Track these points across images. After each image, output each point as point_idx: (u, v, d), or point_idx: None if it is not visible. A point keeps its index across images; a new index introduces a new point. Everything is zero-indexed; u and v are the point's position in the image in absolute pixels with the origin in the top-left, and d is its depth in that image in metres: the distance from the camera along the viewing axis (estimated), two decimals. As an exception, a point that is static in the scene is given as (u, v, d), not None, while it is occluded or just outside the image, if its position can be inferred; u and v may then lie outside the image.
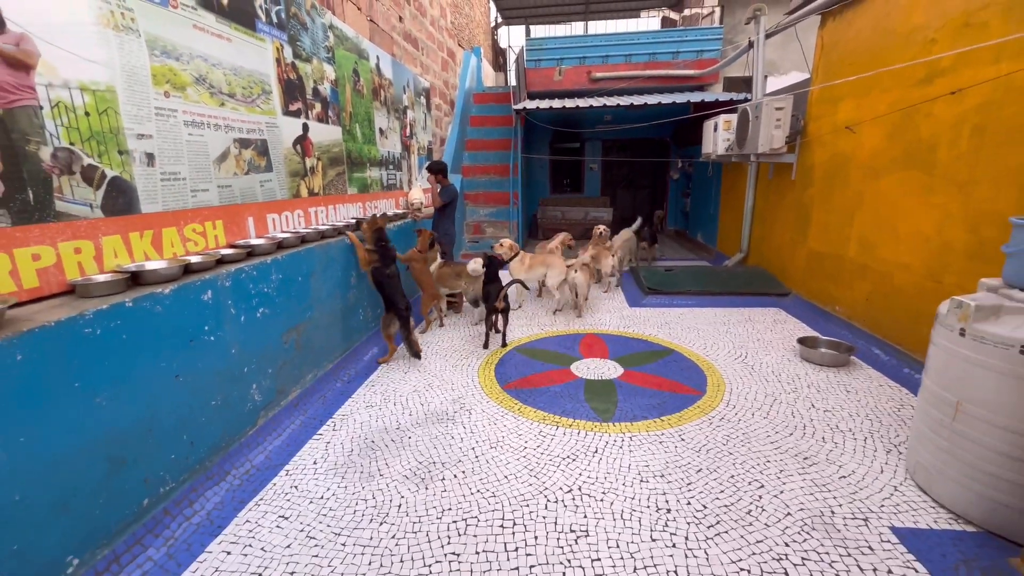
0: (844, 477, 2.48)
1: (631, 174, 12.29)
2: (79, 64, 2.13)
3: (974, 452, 2.11)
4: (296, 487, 2.50)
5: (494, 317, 4.43)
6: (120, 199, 2.35)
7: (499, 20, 15.30)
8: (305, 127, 3.93)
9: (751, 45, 6.67)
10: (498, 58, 15.75)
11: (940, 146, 3.48)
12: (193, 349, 2.38)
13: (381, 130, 5.57)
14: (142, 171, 2.47)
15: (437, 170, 5.44)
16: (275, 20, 3.51)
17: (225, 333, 2.60)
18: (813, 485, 2.42)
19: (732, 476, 2.50)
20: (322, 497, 2.41)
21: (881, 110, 4.07)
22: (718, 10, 10.82)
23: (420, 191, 6.44)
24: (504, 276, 4.63)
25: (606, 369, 3.87)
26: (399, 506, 2.34)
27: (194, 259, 2.53)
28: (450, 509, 2.30)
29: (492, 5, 14.30)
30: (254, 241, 3.16)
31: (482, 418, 3.15)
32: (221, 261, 2.74)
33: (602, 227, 6.82)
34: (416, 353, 3.98)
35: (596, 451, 2.75)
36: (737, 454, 2.69)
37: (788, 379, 3.63)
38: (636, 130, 11.32)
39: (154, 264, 2.37)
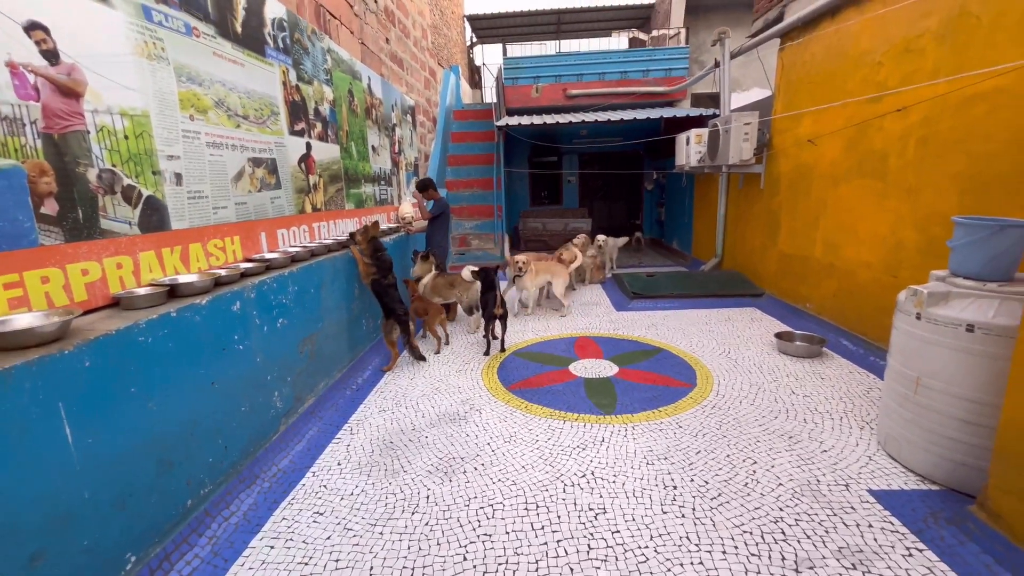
0: (825, 451, 2.77)
1: (607, 186, 12.75)
2: (119, 91, 2.27)
3: (934, 420, 2.43)
4: (325, 486, 2.63)
5: (492, 324, 4.64)
6: (154, 216, 2.48)
7: (474, 39, 15.73)
8: (308, 146, 4.10)
9: (717, 64, 7.18)
10: (474, 76, 16.15)
11: (890, 156, 3.91)
12: (225, 357, 2.50)
13: (373, 147, 5.75)
14: (172, 190, 2.60)
15: (424, 187, 5.69)
16: (281, 45, 3.69)
17: (251, 342, 2.72)
18: (799, 459, 2.70)
19: (728, 455, 2.76)
20: (352, 493, 2.55)
21: (838, 124, 4.51)
22: (683, 31, 11.47)
23: (410, 205, 6.63)
24: (507, 284, 4.85)
25: (602, 368, 4.12)
26: (427, 497, 2.50)
27: (222, 272, 2.67)
28: (475, 497, 2.48)
29: (467, 25, 14.70)
30: (270, 255, 3.30)
31: (493, 416, 3.34)
32: (244, 274, 2.88)
33: (583, 237, 7.18)
34: (419, 356, 4.16)
35: (603, 440, 2.98)
36: (730, 437, 2.96)
37: (769, 370, 3.95)
38: (611, 144, 11.83)
39: (189, 277, 2.50)
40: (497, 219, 9.06)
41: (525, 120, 8.50)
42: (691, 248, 8.94)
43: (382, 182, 6.07)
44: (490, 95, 16.42)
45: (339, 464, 2.83)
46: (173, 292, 2.37)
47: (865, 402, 3.34)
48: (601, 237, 7.73)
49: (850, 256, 4.41)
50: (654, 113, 8.19)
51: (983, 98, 3.10)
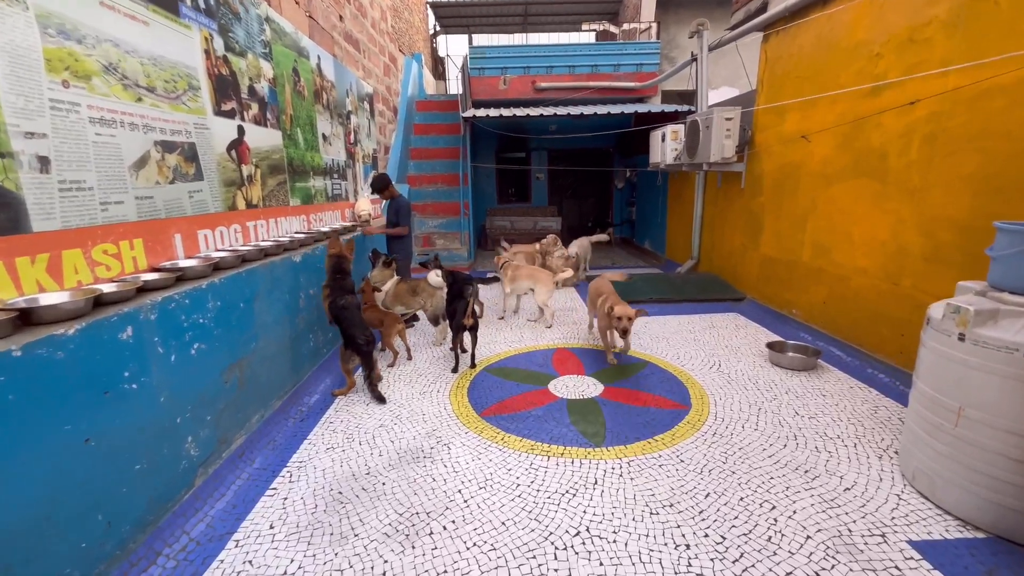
0: (848, 489, 2.42)
1: (577, 183, 12.41)
2: (-63, 38, 1.61)
3: (977, 456, 2.11)
4: (250, 562, 2.05)
5: (460, 336, 4.12)
6: (1, 215, 1.82)
7: (437, 28, 15.03)
8: (241, 130, 3.44)
9: (694, 59, 6.90)
10: (437, 66, 15.45)
11: (891, 155, 3.65)
12: (109, 403, 1.88)
13: (324, 136, 5.10)
14: (32, 179, 1.94)
15: (382, 187, 5.01)
16: (202, 5, 3.03)
17: (151, 378, 2.10)
18: (822, 501, 2.34)
19: (741, 499, 2.37)
20: (286, 574, 1.99)
21: (830, 121, 4.24)
22: (655, 26, 11.22)
23: (367, 202, 6.00)
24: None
25: (585, 387, 3.68)
26: (384, 574, 1.97)
27: (107, 288, 2.04)
28: (445, 572, 1.97)
29: (431, 13, 14.00)
30: (184, 263, 2.66)
31: (464, 453, 2.83)
32: (144, 289, 2.24)
33: (553, 237, 6.81)
34: (378, 397, 3.46)
35: (596, 482, 2.52)
36: (739, 472, 2.57)
37: (765, 386, 3.62)
38: (581, 140, 11.47)
39: (52, 297, 1.86)
40: (463, 217, 8.51)
41: (493, 112, 7.98)
42: (664, 249, 8.68)
43: (335, 175, 5.41)
44: (455, 87, 15.78)
45: (272, 527, 2.25)
46: (27, 318, 1.73)
47: (875, 423, 3.03)
48: (575, 247, 7.35)
49: (842, 261, 4.15)
50: (628, 108, 7.85)
51: (1003, 91, 2.84)
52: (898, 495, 2.37)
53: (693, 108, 7.29)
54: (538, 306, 5.36)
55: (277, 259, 3.33)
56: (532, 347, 4.58)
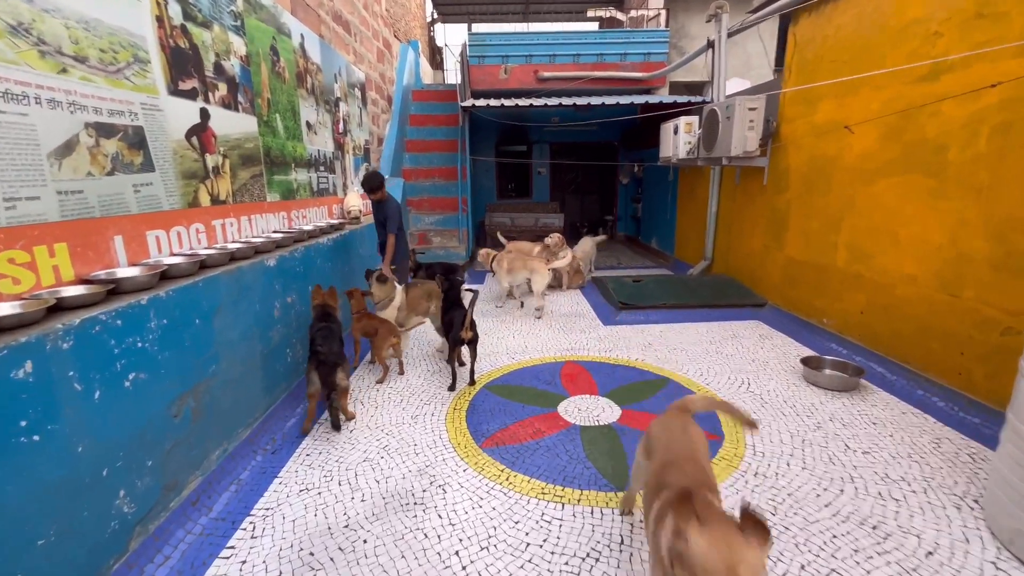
0: (931, 554, 1.99)
1: (580, 179, 11.94)
2: None
3: (1107, 525, 1.68)
4: (190, 660, 1.60)
5: (458, 350, 3.67)
6: None
7: (435, 16, 14.47)
8: (204, 113, 2.96)
9: (711, 44, 6.42)
10: (435, 56, 14.90)
11: (951, 147, 3.20)
12: (-5, 463, 1.43)
13: (309, 124, 4.61)
14: None
15: (373, 186, 4.31)
16: (153, -37, 2.54)
17: (62, 424, 1.64)
18: (903, 571, 1.90)
19: (803, 567, 1.93)
20: (233, 678, 1.54)
21: (874, 110, 3.79)
22: (663, 13, 10.72)
23: (357, 196, 5.54)
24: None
25: (600, 410, 3.24)
26: None
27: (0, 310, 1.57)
28: (439, 678, 1.53)
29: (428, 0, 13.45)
30: (122, 272, 2.19)
31: (462, 498, 2.38)
32: (57, 308, 1.78)
33: (558, 237, 6.38)
34: (336, 423, 2.92)
35: (622, 542, 2.08)
36: (795, 529, 2.14)
37: (805, 411, 3.18)
38: (585, 133, 10.98)
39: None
40: (461, 213, 8.04)
41: (495, 102, 7.49)
42: (673, 248, 8.23)
43: (321, 167, 4.93)
44: (453, 77, 15.23)
45: (222, 606, 1.80)
46: None
47: (941, 462, 2.60)
48: (581, 248, 6.90)
49: (886, 266, 3.71)
50: (636, 99, 7.36)
51: (1106, 71, 2.39)
52: (995, 564, 1.93)
53: (707, 99, 6.82)
54: (536, 295, 5.36)
55: (246, 264, 2.86)
56: (538, 360, 4.13)
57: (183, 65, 2.78)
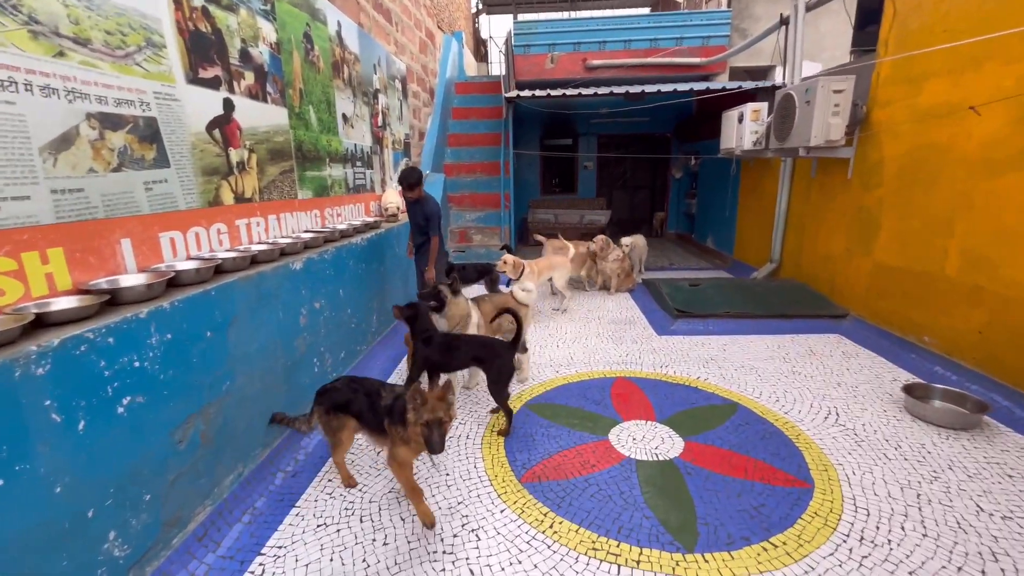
0: None
1: (628, 173, 11.33)
2: None
3: None
4: None
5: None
6: None
7: (480, 7, 14.15)
8: (228, 104, 2.74)
9: (784, 21, 5.73)
10: (480, 48, 14.60)
11: (1122, 131, 2.52)
12: (-58, 518, 1.19)
13: (345, 117, 4.38)
14: None
15: (413, 182, 3.91)
16: (171, -62, 2.31)
17: (35, 463, 1.41)
18: None
19: None
20: None
21: (1007, 87, 3.11)
22: (724, -8, 9.91)
23: (396, 193, 5.28)
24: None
25: (659, 440, 2.80)
26: None
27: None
28: None
29: (473, -10, 13.14)
30: (127, 280, 1.97)
31: (498, 548, 2.03)
32: (38, 324, 1.55)
33: (604, 239, 5.92)
34: (348, 480, 2.47)
35: (696, 628, 1.66)
36: (927, 627, 1.64)
37: (914, 454, 2.61)
38: (635, 124, 10.37)
39: None
40: (504, 210, 7.69)
41: (540, 93, 7.07)
42: (733, 248, 7.55)
43: (358, 163, 4.70)
44: (498, 70, 14.88)
45: None
46: None
47: (1116, 537, 2.01)
48: (627, 240, 6.38)
49: (1017, 278, 3.05)
50: (697, 85, 6.73)
51: None
52: None
53: (779, 83, 6.12)
54: (559, 290, 5.25)
55: (269, 268, 2.62)
56: (585, 374, 3.72)
57: (204, 51, 2.55)
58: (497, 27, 17.53)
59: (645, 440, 2.81)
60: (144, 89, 2.17)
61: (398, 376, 3.80)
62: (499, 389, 2.86)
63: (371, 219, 4.63)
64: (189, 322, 2.02)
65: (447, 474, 2.54)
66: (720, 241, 8.11)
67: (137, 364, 1.76)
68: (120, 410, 1.69)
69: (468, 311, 3.57)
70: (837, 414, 3.05)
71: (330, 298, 3.32)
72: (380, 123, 5.34)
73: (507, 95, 6.93)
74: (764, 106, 5.79)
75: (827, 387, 3.42)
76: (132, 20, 2.11)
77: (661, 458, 2.64)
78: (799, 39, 5.42)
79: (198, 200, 2.52)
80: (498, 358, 2.88)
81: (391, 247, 4.64)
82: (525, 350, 3.62)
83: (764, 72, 10.36)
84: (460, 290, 3.62)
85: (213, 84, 2.62)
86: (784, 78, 6.02)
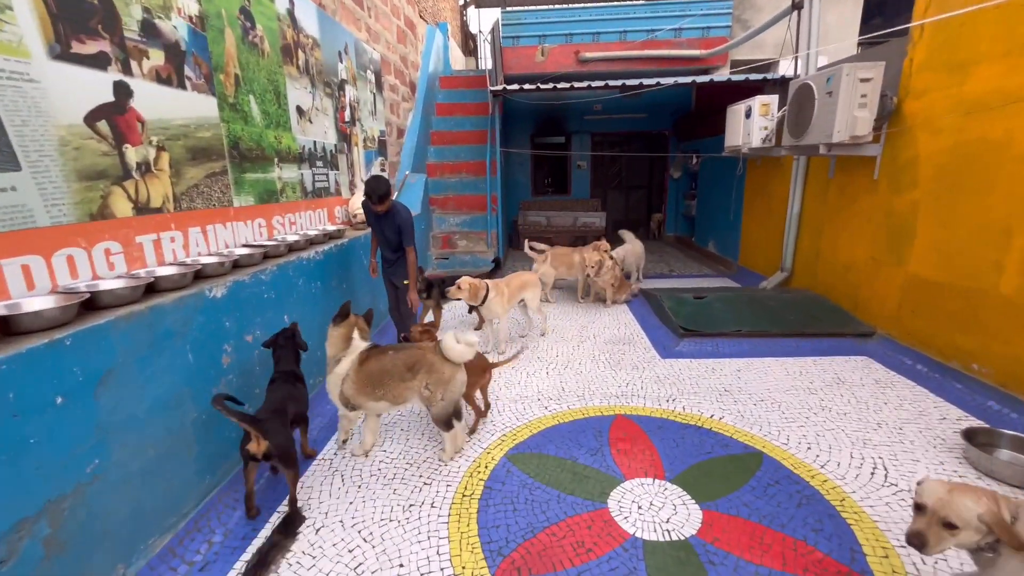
0: None
1: (624, 173, 10.79)
2: None
3: None
4: None
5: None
6: None
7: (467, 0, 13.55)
8: (122, 88, 2.15)
9: (796, 6, 5.20)
10: (468, 42, 14.00)
11: None
12: None
13: (301, 110, 3.79)
14: None
15: (380, 195, 3.28)
16: None
17: None
18: None
19: None
20: None
21: (1085, 69, 2.57)
22: (725, -19, 9.36)
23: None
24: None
25: (671, 508, 2.24)
26: None
27: None
28: None
29: (460, -20, 12.54)
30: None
31: None
32: None
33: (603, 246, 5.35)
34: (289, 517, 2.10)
35: None
36: None
37: (993, 529, 2.07)
38: (630, 121, 9.84)
39: None
40: (490, 213, 7.11)
41: (528, 87, 6.50)
42: (737, 254, 7.02)
43: (319, 163, 4.11)
44: (487, 64, 14.29)
45: None
46: None
47: None
48: (619, 252, 5.86)
49: (1099, 302, 2.52)
50: (700, 78, 6.19)
51: None
52: None
53: (791, 75, 5.59)
54: (531, 315, 4.58)
55: (169, 299, 2.03)
56: (579, 411, 3.16)
57: (80, 18, 1.96)
58: (487, 21, 16.93)
59: (653, 508, 2.25)
60: (-30, 64, 1.58)
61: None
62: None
63: (334, 227, 4.04)
64: (21, 388, 1.44)
65: (400, 564, 1.97)
66: (723, 246, 7.58)
67: (-93, 466, 1.18)
68: None
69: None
70: (885, 468, 2.50)
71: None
72: (347, 118, 4.75)
73: (493, 89, 6.36)
74: (775, 99, 5.26)
75: (866, 429, 2.87)
76: (-56, -34, 1.52)
77: (674, 536, 2.08)
78: (815, 24, 4.89)
79: (72, 213, 1.93)
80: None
81: (357, 259, 4.06)
82: (449, 425, 2.61)
83: (768, 66, 9.85)
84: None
85: (96, 62, 2.03)
86: (794, 70, 5.51)
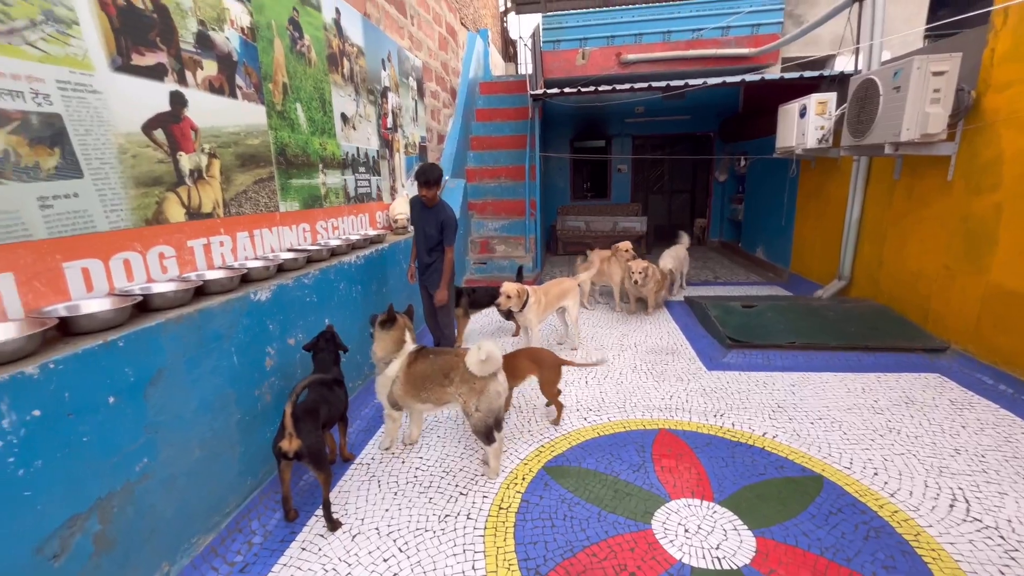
0: None
1: (666, 176, 10.50)
2: None
3: None
4: None
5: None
6: None
7: (508, 5, 13.62)
8: (178, 98, 2.23)
9: (857, -3, 4.88)
10: (508, 48, 14.07)
11: None
12: None
13: (345, 117, 3.86)
14: None
15: (434, 180, 3.33)
16: None
17: None
18: None
19: None
20: None
21: None
22: (777, -25, 8.98)
23: (406, 202, 4.73)
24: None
25: (720, 533, 2.09)
26: None
27: None
28: None
29: (501, -13, 12.62)
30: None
31: None
32: None
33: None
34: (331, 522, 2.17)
35: None
36: None
37: (1103, 578, 1.81)
38: (674, 123, 9.57)
39: None
40: (528, 218, 7.06)
41: (568, 90, 6.42)
42: (789, 260, 6.66)
43: (361, 168, 4.18)
44: (527, 69, 14.32)
45: None
46: None
47: None
48: (669, 259, 5.69)
49: None
50: (750, 77, 5.92)
51: None
52: None
53: (850, 71, 5.26)
54: (571, 324, 4.37)
55: (217, 302, 2.08)
56: (619, 424, 3.04)
57: (140, 32, 2.04)
58: (527, 27, 16.97)
59: (701, 533, 2.10)
60: (41, 77, 1.67)
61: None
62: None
63: (375, 232, 4.08)
64: (76, 388, 1.48)
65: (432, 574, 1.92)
66: (773, 252, 7.21)
67: (-31, 462, 1.22)
68: (-69, 535, 1.15)
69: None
70: (966, 500, 2.25)
71: (312, 330, 2.77)
72: (390, 124, 4.82)
73: (533, 93, 6.32)
74: (832, 97, 4.96)
75: (941, 455, 2.61)
76: (19, -15, 1.60)
77: (725, 564, 1.93)
78: (879, 15, 4.57)
79: (129, 218, 2.00)
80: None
81: (396, 263, 4.09)
82: (490, 439, 2.51)
83: (822, 62, 9.36)
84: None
85: (154, 74, 2.11)
86: (854, 66, 5.17)
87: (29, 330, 1.45)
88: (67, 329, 1.60)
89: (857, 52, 5.06)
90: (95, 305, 1.72)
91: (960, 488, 2.33)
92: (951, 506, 2.22)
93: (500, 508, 2.32)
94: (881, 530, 2.09)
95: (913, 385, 3.43)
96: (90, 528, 1.52)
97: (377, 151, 4.51)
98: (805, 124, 5.16)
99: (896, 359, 3.78)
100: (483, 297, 4.43)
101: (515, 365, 2.94)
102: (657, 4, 8.70)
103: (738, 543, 2.04)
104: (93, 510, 1.53)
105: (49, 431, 1.41)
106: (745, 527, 2.13)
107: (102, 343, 1.57)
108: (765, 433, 2.88)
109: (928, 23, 9.00)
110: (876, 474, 2.46)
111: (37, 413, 1.38)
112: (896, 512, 2.19)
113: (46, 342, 1.53)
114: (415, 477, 2.57)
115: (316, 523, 2.22)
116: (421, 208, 3.47)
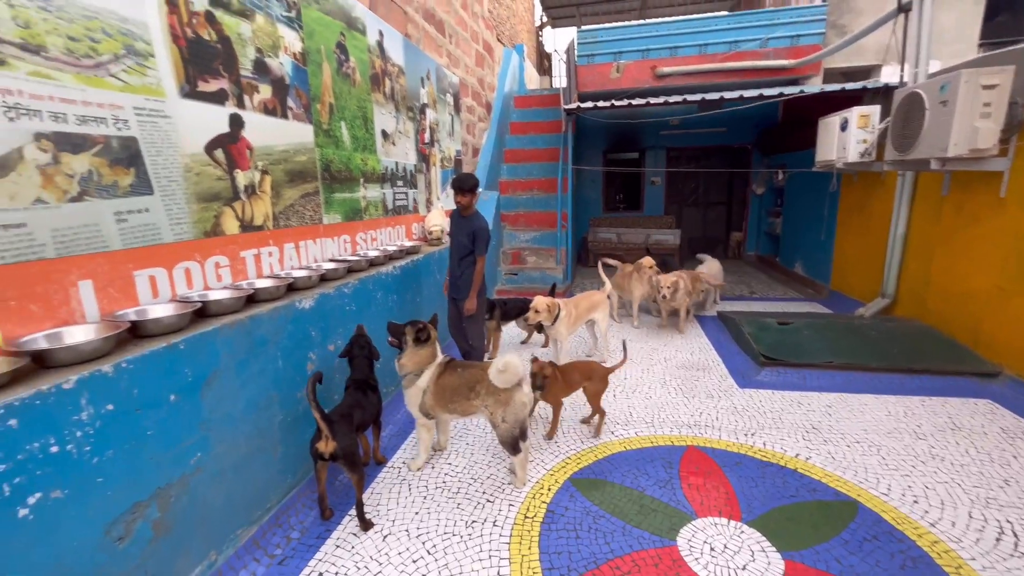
0: None
1: (701, 189, 10.35)
2: None
3: None
4: None
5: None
6: None
7: (544, 19, 13.83)
8: (236, 120, 2.42)
9: (903, 8, 4.75)
10: (543, 61, 14.26)
11: None
12: None
13: (385, 133, 4.04)
14: None
15: (469, 187, 3.43)
16: (168, -67, 2.02)
17: None
18: None
19: None
20: None
21: None
22: (818, -15, 8.83)
23: (441, 214, 4.89)
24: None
25: (748, 555, 2.07)
26: None
27: None
28: None
29: (537, 3, 12.85)
30: (72, 334, 1.62)
31: None
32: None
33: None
34: (364, 523, 2.29)
35: None
36: None
37: None
38: (709, 136, 9.46)
39: None
40: (560, 230, 7.11)
41: (602, 104, 6.48)
42: (828, 276, 6.45)
43: (399, 182, 4.35)
44: (561, 83, 14.46)
45: None
46: None
47: None
48: (708, 269, 5.63)
49: None
50: (789, 89, 5.83)
51: None
52: None
53: (895, 83, 5.11)
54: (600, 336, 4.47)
55: (266, 309, 2.23)
56: (647, 438, 3.03)
57: (206, 61, 2.24)
58: (562, 41, 17.16)
59: (728, 552, 2.09)
60: (121, 104, 1.86)
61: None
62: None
63: (411, 243, 4.24)
64: (144, 386, 1.64)
65: (461, 581, 1.98)
66: (812, 267, 7.00)
67: (55, 449, 1.38)
68: (23, 513, 1.30)
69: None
70: (1015, 535, 2.14)
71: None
72: (427, 139, 5.00)
73: (567, 107, 6.40)
74: (876, 110, 4.84)
75: (989, 485, 2.49)
76: (107, 24, 1.80)
77: (752, 587, 1.91)
78: (926, 26, 4.43)
79: (191, 231, 2.18)
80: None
81: (431, 274, 4.22)
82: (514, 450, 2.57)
83: (866, 72, 9.08)
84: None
85: (217, 98, 2.31)
86: (900, 78, 5.02)
87: (106, 332, 1.61)
88: (136, 332, 1.76)
89: (903, 63, 4.92)
90: (161, 310, 1.89)
91: (1009, 521, 2.23)
92: (998, 539, 2.12)
93: (526, 517, 2.36)
94: (920, 560, 2.02)
95: (960, 411, 3.28)
96: (150, 515, 1.66)
97: (415, 165, 4.68)
98: (846, 137, 5.03)
99: (943, 383, 3.62)
100: (514, 309, 4.50)
101: (569, 377, 3.04)
102: (693, 17, 8.67)
103: (766, 564, 2.02)
104: (153, 498, 1.67)
105: (120, 424, 1.56)
106: (774, 549, 2.10)
107: (166, 345, 1.73)
108: (798, 454, 2.81)
109: (982, 31, 8.61)
110: (916, 502, 2.38)
111: (111, 407, 1.53)
112: (936, 542, 2.11)
113: (118, 343, 1.69)
114: (444, 482, 2.65)
115: (350, 522, 2.33)
116: (457, 217, 3.57)
